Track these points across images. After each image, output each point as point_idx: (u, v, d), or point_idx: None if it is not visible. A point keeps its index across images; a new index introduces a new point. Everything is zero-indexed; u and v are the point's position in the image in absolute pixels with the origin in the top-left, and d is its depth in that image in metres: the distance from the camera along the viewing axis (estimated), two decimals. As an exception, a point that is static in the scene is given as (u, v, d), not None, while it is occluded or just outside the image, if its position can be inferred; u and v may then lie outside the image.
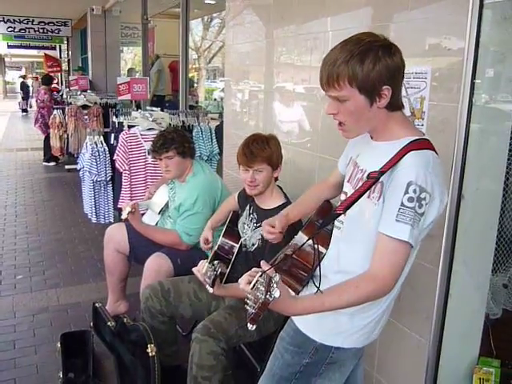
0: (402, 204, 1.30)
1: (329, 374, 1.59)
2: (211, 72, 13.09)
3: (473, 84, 1.86)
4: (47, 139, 9.03)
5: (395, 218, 1.31)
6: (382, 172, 1.35)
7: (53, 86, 9.66)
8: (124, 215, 2.84)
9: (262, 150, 2.33)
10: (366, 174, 1.43)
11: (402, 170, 1.33)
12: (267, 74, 3.36)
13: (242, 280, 1.36)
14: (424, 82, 2.01)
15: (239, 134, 3.60)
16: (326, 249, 1.57)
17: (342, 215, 1.45)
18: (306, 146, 2.88)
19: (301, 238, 1.63)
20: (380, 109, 1.39)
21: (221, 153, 4.59)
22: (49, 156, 9.16)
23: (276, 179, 2.45)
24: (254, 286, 1.26)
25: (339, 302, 1.37)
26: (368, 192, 1.39)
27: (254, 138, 2.39)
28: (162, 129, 4.32)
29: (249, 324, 1.25)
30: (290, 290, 1.47)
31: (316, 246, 1.48)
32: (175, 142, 3.03)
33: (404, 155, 1.34)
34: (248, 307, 1.25)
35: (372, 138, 1.51)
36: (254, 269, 1.40)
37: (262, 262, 1.39)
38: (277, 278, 1.23)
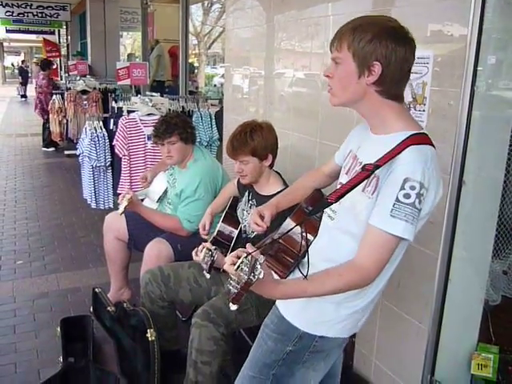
0: (397, 199, 1.30)
1: (313, 362, 1.58)
2: (211, 58, 13.00)
3: (475, 70, 1.84)
4: (46, 124, 9.00)
5: (390, 213, 1.30)
6: (377, 165, 1.33)
7: (52, 70, 9.55)
8: (121, 209, 2.79)
9: (243, 144, 2.33)
10: (361, 166, 1.42)
11: (400, 166, 1.32)
12: (267, 60, 3.33)
13: (227, 261, 1.34)
14: (426, 67, 2.00)
15: (239, 119, 3.57)
16: (314, 236, 1.56)
17: (337, 205, 1.45)
18: (306, 132, 2.87)
19: (289, 224, 1.61)
20: (369, 87, 1.38)
21: (221, 139, 4.58)
22: (48, 141, 9.12)
23: (271, 166, 2.43)
24: (239, 267, 1.25)
25: (321, 289, 1.38)
26: (363, 185, 1.38)
27: (239, 131, 2.38)
28: (162, 114, 4.31)
29: (231, 304, 1.25)
30: (275, 275, 1.47)
31: (304, 233, 1.46)
32: (178, 127, 3.00)
33: (402, 150, 1.33)
34: (231, 287, 1.24)
35: (371, 130, 1.49)
36: (239, 249, 1.38)
37: (248, 245, 1.39)
38: (261, 259, 1.23)
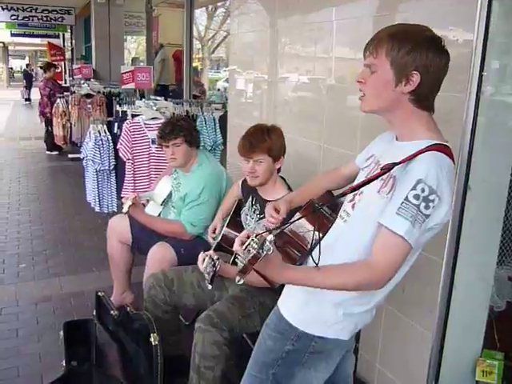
0: (407, 198, 1.29)
1: (314, 363, 1.58)
2: (215, 62, 13.02)
3: (481, 75, 1.84)
4: (47, 127, 9.01)
5: (396, 211, 1.29)
6: (395, 163, 1.33)
7: (54, 73, 9.49)
8: (125, 209, 2.82)
9: (261, 141, 2.31)
10: (381, 167, 1.41)
11: (415, 167, 1.32)
12: (271, 64, 3.34)
13: (236, 241, 1.35)
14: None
15: (243, 123, 3.58)
16: (323, 234, 1.56)
17: (351, 208, 1.47)
18: (311, 137, 2.86)
19: (298, 217, 1.62)
20: (404, 95, 1.38)
21: (224, 143, 4.58)
22: (50, 145, 9.14)
23: (278, 170, 2.43)
24: (247, 247, 1.25)
25: (329, 282, 1.37)
26: (380, 185, 1.38)
27: (255, 129, 2.37)
28: (166, 118, 4.32)
29: (237, 277, 1.25)
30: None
31: (315, 224, 1.45)
32: (184, 130, 3.00)
33: (422, 153, 1.33)
34: (238, 261, 1.24)
35: (397, 138, 1.50)
36: (247, 231, 1.39)
37: (258, 227, 1.38)
38: (270, 238, 1.23)
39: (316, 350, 1.55)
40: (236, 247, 1.33)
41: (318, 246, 1.38)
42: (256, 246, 1.21)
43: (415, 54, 1.34)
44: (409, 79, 1.36)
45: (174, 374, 2.52)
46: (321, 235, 1.54)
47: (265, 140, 2.32)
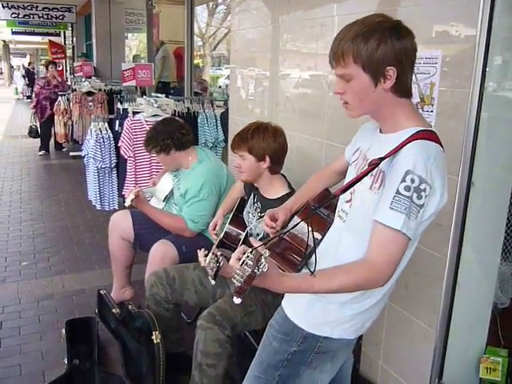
0: (398, 191, 1.27)
1: (319, 364, 1.56)
2: (216, 59, 13.00)
3: (484, 70, 1.82)
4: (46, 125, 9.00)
5: (389, 206, 1.27)
6: (381, 158, 1.31)
7: (53, 70, 9.39)
8: (128, 202, 2.82)
9: (242, 139, 2.36)
10: (368, 162, 1.40)
11: (401, 158, 1.30)
12: (273, 61, 3.32)
13: (232, 257, 1.34)
14: (434, 67, 1.98)
15: (244, 120, 3.56)
16: (322, 235, 1.55)
17: (348, 207, 1.45)
18: (313, 133, 2.85)
19: (295, 221, 1.61)
20: (386, 91, 1.35)
21: (226, 140, 4.57)
22: (46, 147, 9.12)
23: (273, 171, 2.39)
24: (244, 261, 1.24)
25: (329, 286, 1.34)
26: (371, 182, 1.37)
27: (246, 127, 2.41)
28: (168, 115, 4.32)
29: (234, 297, 1.24)
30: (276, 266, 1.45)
31: (311, 230, 1.43)
32: (152, 141, 3.04)
33: (406, 144, 1.31)
34: (235, 281, 1.23)
35: (381, 131, 1.48)
36: (243, 246, 1.37)
37: (252, 239, 1.38)
38: (266, 253, 1.22)
39: (321, 351, 1.54)
40: (232, 262, 1.32)
41: (314, 253, 1.35)
42: (251, 263, 1.20)
43: (383, 50, 1.29)
44: (386, 76, 1.32)
45: (176, 372, 2.52)
46: (320, 237, 1.53)
47: (245, 140, 2.35)
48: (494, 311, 2.16)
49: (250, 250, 1.25)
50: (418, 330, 2.15)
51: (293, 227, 1.49)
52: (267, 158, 2.34)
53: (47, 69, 9.35)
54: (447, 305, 2.04)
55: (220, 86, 10.87)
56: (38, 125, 9.20)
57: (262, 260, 1.20)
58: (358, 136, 1.67)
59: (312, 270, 1.32)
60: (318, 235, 1.54)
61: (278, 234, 1.62)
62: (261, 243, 1.33)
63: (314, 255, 1.34)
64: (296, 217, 1.61)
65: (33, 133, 9.27)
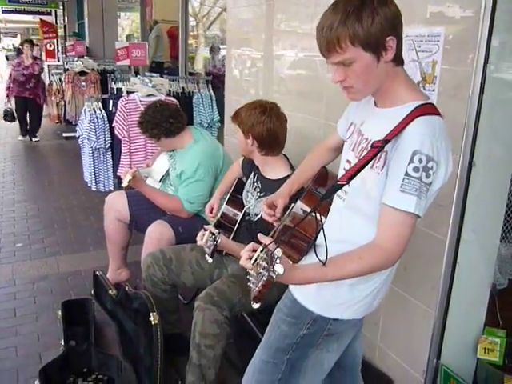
0: (407, 173, 1.25)
1: (326, 345, 1.56)
2: (210, 39, 12.84)
3: (488, 49, 1.79)
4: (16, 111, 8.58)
5: (399, 189, 1.25)
6: (386, 140, 1.28)
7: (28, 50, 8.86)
8: (125, 183, 2.77)
9: (236, 112, 2.38)
10: (370, 144, 1.36)
11: (407, 138, 1.26)
12: (267, 41, 3.27)
13: (242, 256, 1.32)
14: (436, 45, 1.94)
15: (241, 100, 3.52)
16: (325, 217, 1.53)
17: (347, 186, 1.41)
18: (310, 113, 2.81)
19: (300, 207, 1.58)
20: (387, 63, 1.31)
21: (222, 120, 4.53)
22: (23, 132, 8.72)
23: (263, 152, 2.34)
24: (256, 261, 1.21)
25: (342, 273, 1.34)
26: (372, 162, 1.33)
27: (246, 104, 2.41)
28: (162, 95, 4.26)
29: (253, 303, 1.21)
30: (289, 261, 1.43)
31: (319, 217, 1.40)
32: (142, 127, 3.04)
33: (410, 122, 1.27)
34: (251, 285, 1.21)
35: (376, 104, 1.44)
36: (252, 244, 1.35)
37: (260, 236, 1.34)
38: (279, 252, 1.18)
39: (331, 333, 1.53)
40: (243, 263, 1.30)
41: (324, 239, 1.31)
42: (265, 265, 1.16)
43: (379, 23, 1.23)
44: (386, 48, 1.27)
45: (174, 353, 2.51)
46: (324, 219, 1.50)
47: (238, 112, 2.37)
48: (493, 292, 2.16)
49: (261, 248, 1.22)
50: (416, 310, 2.15)
51: (304, 218, 1.44)
52: (250, 137, 2.31)
53: (22, 48, 8.88)
54: (446, 285, 2.03)
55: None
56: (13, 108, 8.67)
57: (277, 261, 1.16)
58: (349, 110, 1.64)
59: (322, 257, 1.29)
60: (322, 218, 1.52)
61: (283, 222, 1.58)
62: (270, 239, 1.30)
63: (323, 241, 1.31)
64: (300, 202, 1.57)
65: (8, 116, 8.61)
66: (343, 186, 1.32)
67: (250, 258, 1.25)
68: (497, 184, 2.02)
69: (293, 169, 2.36)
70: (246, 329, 2.73)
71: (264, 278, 1.15)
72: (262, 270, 1.17)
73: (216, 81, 5.12)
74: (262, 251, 1.21)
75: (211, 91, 4.75)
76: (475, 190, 1.93)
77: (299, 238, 1.45)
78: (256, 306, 1.23)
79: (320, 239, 1.35)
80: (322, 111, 2.71)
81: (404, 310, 2.21)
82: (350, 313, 1.51)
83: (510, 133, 1.96)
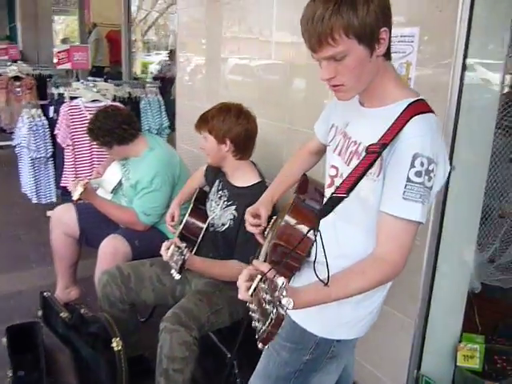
0: (409, 179, 1.16)
1: (327, 366, 1.45)
2: (147, 44, 12.58)
3: (466, 48, 1.73)
4: None
5: (402, 196, 1.16)
6: (384, 144, 1.17)
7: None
8: (76, 196, 2.56)
9: (203, 119, 2.26)
10: (361, 147, 1.26)
11: (406, 141, 1.17)
12: (215, 45, 3.16)
13: (241, 288, 1.17)
14: (410, 45, 1.88)
15: (195, 105, 3.38)
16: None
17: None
18: (272, 118, 2.71)
19: (290, 221, 1.42)
20: (378, 57, 1.21)
21: (171, 126, 4.36)
22: None
23: (237, 157, 2.24)
24: (255, 291, 1.08)
25: (346, 292, 1.22)
26: None
27: (213, 107, 2.29)
28: (108, 100, 4.05)
29: (260, 344, 1.05)
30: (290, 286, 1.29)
31: (319, 238, 1.21)
32: (92, 135, 2.87)
33: (406, 123, 1.18)
34: (256, 323, 1.05)
35: (362, 103, 1.33)
36: (247, 270, 1.20)
37: (255, 261, 1.21)
38: (282, 282, 1.01)
39: (334, 355, 1.42)
40: (242, 296, 1.16)
41: (325, 258, 1.18)
42: (270, 298, 1.00)
43: (373, 12, 1.13)
44: (379, 41, 1.18)
45: (137, 377, 2.33)
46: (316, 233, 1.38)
47: (207, 118, 2.23)
48: (471, 297, 2.12)
49: (259, 276, 1.09)
50: (394, 320, 2.07)
51: (304, 237, 1.27)
52: (228, 142, 2.19)
53: None
54: (426, 293, 1.98)
55: (151, 72, 10.54)
56: None
57: (283, 292, 0.99)
58: (327, 112, 1.54)
59: (322, 276, 1.17)
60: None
61: (275, 242, 1.42)
62: (268, 266, 1.15)
63: (323, 263, 1.18)
64: (288, 216, 1.42)
65: None
66: (344, 198, 1.19)
67: (248, 289, 1.11)
68: (473, 189, 1.98)
69: (261, 175, 2.25)
70: (210, 348, 2.58)
71: (272, 316, 0.99)
72: (267, 306, 1.01)
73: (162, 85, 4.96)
74: (261, 280, 1.07)
75: (159, 96, 4.56)
76: (453, 195, 1.88)
77: (295, 259, 1.33)
78: (263, 348, 1.07)
79: (318, 256, 1.22)
80: (285, 115, 2.61)
81: (381, 320, 2.13)
82: (354, 332, 1.41)
83: (487, 136, 1.92)
